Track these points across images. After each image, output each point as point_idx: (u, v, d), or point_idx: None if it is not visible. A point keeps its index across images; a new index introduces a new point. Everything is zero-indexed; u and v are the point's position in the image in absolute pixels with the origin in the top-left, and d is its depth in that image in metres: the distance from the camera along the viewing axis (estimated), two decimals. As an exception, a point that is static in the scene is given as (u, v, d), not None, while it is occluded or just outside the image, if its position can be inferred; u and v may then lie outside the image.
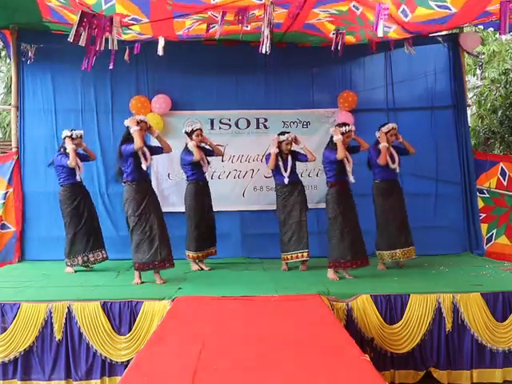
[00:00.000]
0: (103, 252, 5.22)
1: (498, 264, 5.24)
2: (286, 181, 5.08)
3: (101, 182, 5.94)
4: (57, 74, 6.03)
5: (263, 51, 3.94)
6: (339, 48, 5.02)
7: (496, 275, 4.62)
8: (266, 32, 3.90)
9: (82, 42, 3.97)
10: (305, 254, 5.03)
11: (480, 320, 3.82)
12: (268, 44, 3.92)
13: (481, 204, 6.09)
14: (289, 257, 5.12)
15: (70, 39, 3.94)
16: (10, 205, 5.79)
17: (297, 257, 5.06)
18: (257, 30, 4.96)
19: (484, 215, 6.08)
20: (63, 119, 5.98)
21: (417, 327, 3.80)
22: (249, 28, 5.18)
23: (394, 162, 4.99)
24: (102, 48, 4.14)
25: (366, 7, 4.53)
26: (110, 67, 4.62)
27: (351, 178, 4.64)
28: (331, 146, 4.72)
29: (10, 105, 6.35)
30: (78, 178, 5.05)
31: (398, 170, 5.04)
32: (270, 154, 5.11)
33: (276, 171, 5.16)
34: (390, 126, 5.05)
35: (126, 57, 5.18)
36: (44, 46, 5.68)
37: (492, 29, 6.16)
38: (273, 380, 2.33)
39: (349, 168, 4.63)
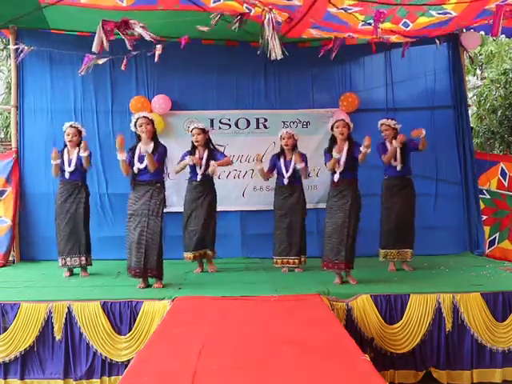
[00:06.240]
0: (82, 258, 4.85)
1: (497, 264, 5.25)
2: (286, 181, 5.02)
3: (100, 182, 5.94)
4: (57, 74, 6.04)
5: (273, 57, 3.85)
6: (334, 50, 5.03)
7: (496, 275, 4.62)
8: (271, 35, 3.81)
9: (106, 48, 3.91)
10: (302, 260, 5.05)
11: (480, 320, 3.82)
12: (278, 47, 3.83)
13: (482, 206, 6.04)
14: (284, 261, 5.08)
15: (95, 49, 3.89)
16: (7, 202, 5.74)
17: (293, 262, 5.05)
18: (259, 20, 4.92)
19: (485, 217, 6.02)
20: (63, 119, 5.94)
21: (417, 327, 3.80)
22: (252, 13, 5.11)
23: (395, 159, 4.91)
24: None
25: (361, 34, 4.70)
26: (122, 68, 4.50)
27: (335, 178, 4.38)
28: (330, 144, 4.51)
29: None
30: (66, 174, 4.84)
31: (398, 168, 4.92)
32: (272, 159, 5.16)
33: (277, 171, 5.12)
34: (380, 122, 5.02)
35: (123, 67, 4.95)
36: (44, 45, 5.67)
37: (483, 32, 6.18)
38: (273, 380, 2.32)
39: (337, 169, 4.35)
